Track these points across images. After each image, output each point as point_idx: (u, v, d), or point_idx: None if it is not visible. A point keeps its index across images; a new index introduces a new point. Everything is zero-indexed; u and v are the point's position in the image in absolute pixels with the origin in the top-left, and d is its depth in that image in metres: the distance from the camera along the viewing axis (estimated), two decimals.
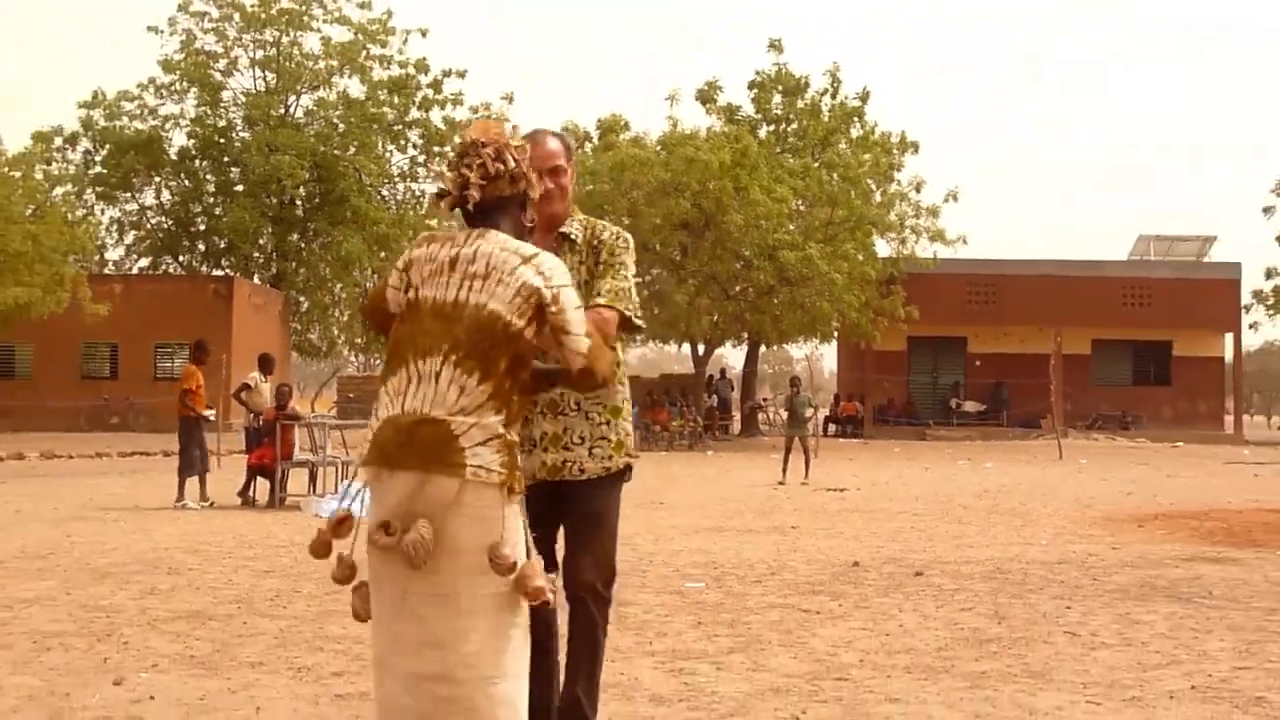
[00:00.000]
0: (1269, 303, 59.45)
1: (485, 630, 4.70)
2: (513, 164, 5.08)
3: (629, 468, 5.89)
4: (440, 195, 5.11)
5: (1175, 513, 18.38)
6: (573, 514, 5.76)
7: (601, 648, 5.84)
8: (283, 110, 56.99)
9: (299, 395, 52.42)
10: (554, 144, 5.95)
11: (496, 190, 5.06)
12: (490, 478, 4.67)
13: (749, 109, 49.92)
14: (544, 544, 5.60)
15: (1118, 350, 56.01)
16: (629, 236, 5.92)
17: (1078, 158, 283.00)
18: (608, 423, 5.84)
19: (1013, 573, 11.78)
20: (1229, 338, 57.60)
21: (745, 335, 49.44)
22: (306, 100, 58.20)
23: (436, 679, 4.68)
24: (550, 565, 5.64)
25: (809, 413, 28.10)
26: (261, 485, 19.21)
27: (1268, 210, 59.74)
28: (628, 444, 5.86)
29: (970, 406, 53.73)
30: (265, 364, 21.76)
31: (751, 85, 49.53)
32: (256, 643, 8.26)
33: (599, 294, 5.68)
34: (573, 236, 5.90)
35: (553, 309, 4.90)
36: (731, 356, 67.82)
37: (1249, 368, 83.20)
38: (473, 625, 4.69)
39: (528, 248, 4.95)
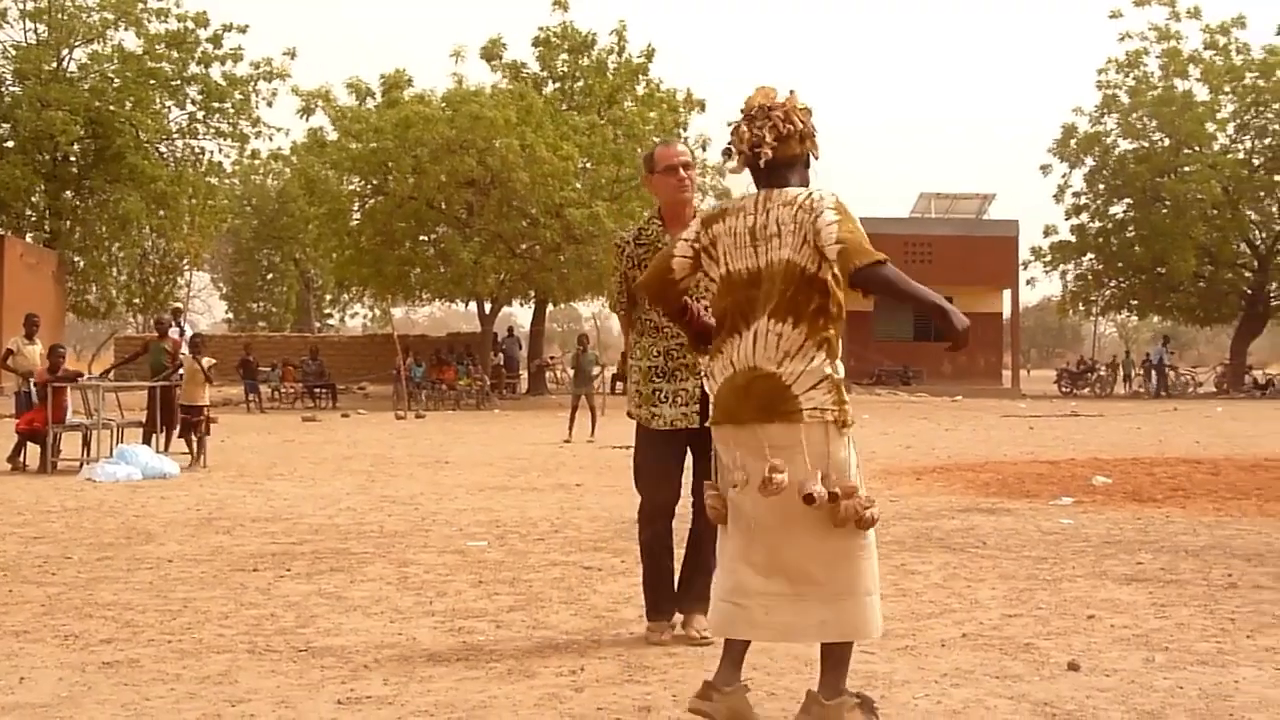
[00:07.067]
0: (1046, 259, 61.06)
1: (830, 552, 5.28)
2: (800, 125, 5.56)
3: None
4: (727, 154, 5.60)
5: (952, 465, 18.78)
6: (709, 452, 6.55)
7: None
8: (55, 64, 55.22)
9: (74, 356, 51.08)
10: (683, 146, 7.34)
11: (788, 150, 5.53)
12: (826, 415, 5.26)
13: (535, 66, 49.75)
14: (676, 476, 7.10)
15: (899, 307, 56.73)
16: None
17: (862, 115, 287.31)
18: None
19: None
20: (1007, 294, 58.99)
21: (532, 293, 49.34)
22: (80, 54, 56.46)
23: (790, 596, 5.31)
24: (676, 492, 7.14)
25: (595, 371, 28.18)
26: (32, 450, 18.68)
27: (1045, 169, 61.33)
28: None
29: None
30: (29, 325, 21.19)
31: (536, 42, 49.33)
32: (22, 611, 8.03)
33: None
34: None
35: (812, 232, 5.30)
36: (520, 315, 67.72)
37: (1026, 323, 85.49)
38: (816, 552, 5.28)
39: (800, 191, 5.44)
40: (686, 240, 5.64)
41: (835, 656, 5.37)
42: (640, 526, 7.24)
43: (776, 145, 5.50)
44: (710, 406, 5.59)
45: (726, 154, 5.63)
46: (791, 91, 5.66)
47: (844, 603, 5.27)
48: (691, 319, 5.92)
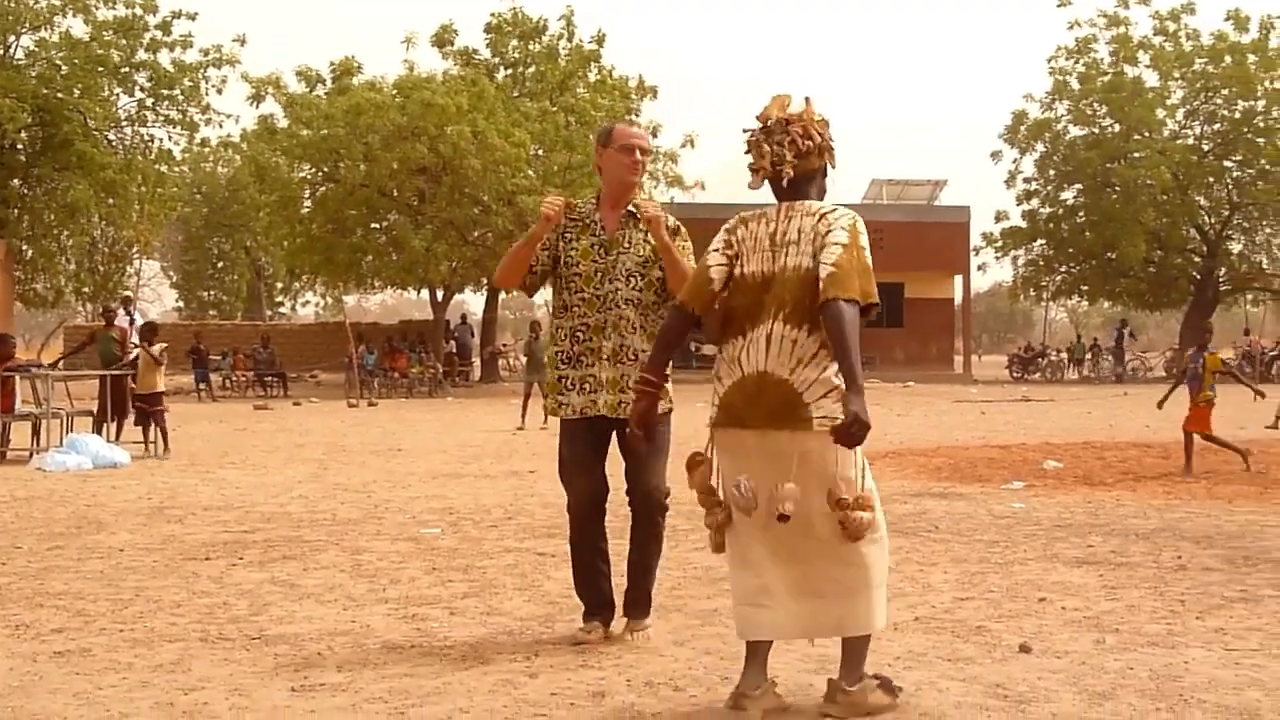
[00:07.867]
0: (997, 245, 61.21)
1: (843, 552, 5.36)
2: (818, 139, 5.60)
3: (670, 409, 6.81)
4: (755, 170, 5.60)
5: (905, 450, 18.85)
6: (634, 445, 6.61)
7: (662, 543, 7.10)
8: (2, 51, 54.77)
9: (24, 346, 50.59)
10: (641, 130, 7.24)
11: (808, 165, 5.58)
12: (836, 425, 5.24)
13: (486, 53, 49.55)
14: (597, 467, 6.90)
15: None
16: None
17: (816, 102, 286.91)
18: None
19: None
20: (959, 280, 59.13)
21: (484, 281, 49.17)
22: (27, 40, 55.98)
23: (809, 594, 5.42)
24: (600, 485, 6.90)
25: (548, 358, 28.07)
26: None
27: (995, 155, 61.48)
28: (669, 390, 6.63)
29: (710, 349, 54.11)
30: None
31: (487, 29, 49.14)
32: None
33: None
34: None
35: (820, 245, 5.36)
36: (472, 302, 67.51)
37: (978, 308, 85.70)
38: (832, 549, 5.36)
39: (825, 205, 5.53)
40: (718, 250, 5.63)
41: (856, 647, 5.51)
42: (569, 524, 7.04)
43: (797, 163, 5.55)
44: (715, 409, 5.58)
45: (754, 169, 5.61)
46: (807, 100, 5.68)
47: (859, 597, 5.41)
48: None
